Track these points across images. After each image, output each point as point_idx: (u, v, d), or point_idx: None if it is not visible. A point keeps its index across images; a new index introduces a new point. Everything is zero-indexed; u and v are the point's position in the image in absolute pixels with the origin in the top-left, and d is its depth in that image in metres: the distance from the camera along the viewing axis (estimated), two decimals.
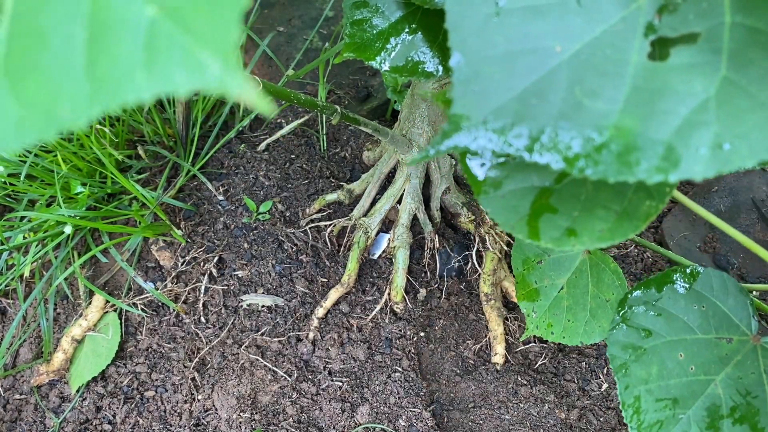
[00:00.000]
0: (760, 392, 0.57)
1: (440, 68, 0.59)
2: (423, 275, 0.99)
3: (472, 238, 0.98)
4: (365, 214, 0.97)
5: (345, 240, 0.99)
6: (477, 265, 0.97)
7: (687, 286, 0.62)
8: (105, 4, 0.22)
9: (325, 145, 1.08)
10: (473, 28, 0.42)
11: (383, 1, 0.60)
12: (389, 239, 0.96)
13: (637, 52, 0.40)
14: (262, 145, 1.06)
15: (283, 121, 1.10)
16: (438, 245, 0.98)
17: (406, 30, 0.59)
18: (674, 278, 0.62)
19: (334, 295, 0.93)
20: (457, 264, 1.00)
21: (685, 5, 0.40)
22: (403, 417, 0.90)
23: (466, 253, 0.99)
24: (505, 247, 0.97)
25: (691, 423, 0.58)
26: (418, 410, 0.90)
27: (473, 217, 0.96)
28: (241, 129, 1.09)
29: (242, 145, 1.07)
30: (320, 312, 0.93)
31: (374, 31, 0.60)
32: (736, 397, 0.57)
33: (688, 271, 0.62)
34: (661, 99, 0.39)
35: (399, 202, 0.97)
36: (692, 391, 0.59)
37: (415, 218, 0.98)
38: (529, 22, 0.41)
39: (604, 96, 0.40)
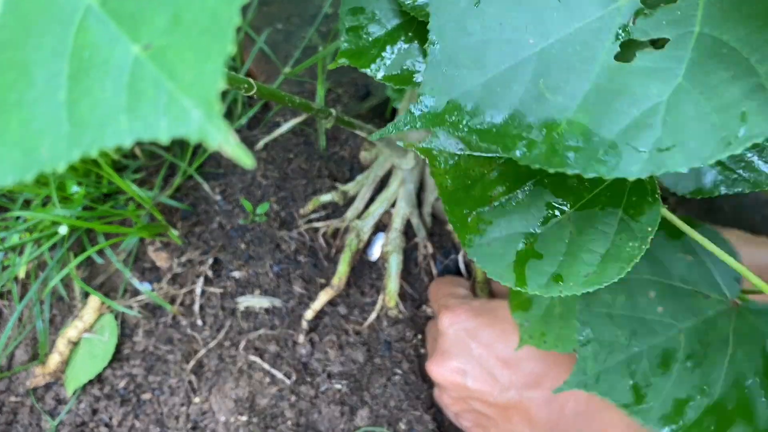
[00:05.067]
0: (721, 348, 0.57)
1: None
2: (420, 278, 0.98)
3: (458, 246, 0.97)
4: (359, 217, 0.96)
5: (339, 242, 0.98)
6: (466, 273, 0.96)
7: (680, 233, 0.62)
8: (88, 41, 0.21)
9: (324, 144, 1.06)
10: (453, 14, 0.42)
11: (380, 8, 0.58)
12: (383, 243, 0.95)
13: (606, 52, 0.41)
14: (260, 144, 1.05)
15: (281, 119, 1.08)
16: (432, 250, 0.97)
17: (403, 39, 0.58)
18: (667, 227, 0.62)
19: (323, 297, 0.92)
20: (453, 268, 0.99)
21: (661, 11, 0.42)
22: (404, 420, 0.89)
23: (459, 258, 0.99)
24: None
25: (643, 356, 0.58)
26: (419, 413, 0.90)
27: None
28: (239, 128, 1.08)
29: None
30: (309, 314, 0.91)
31: (370, 39, 0.58)
32: (696, 346, 0.57)
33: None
34: (617, 99, 0.40)
35: (393, 206, 0.96)
36: (653, 329, 0.59)
37: (409, 223, 0.97)
38: (508, 13, 0.44)
39: (565, 91, 0.41)
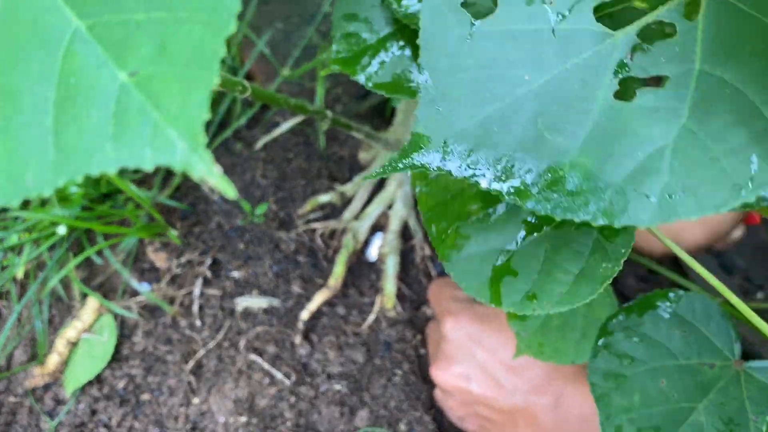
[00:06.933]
0: (742, 420, 0.55)
1: None
2: (418, 279, 0.98)
3: None
4: (356, 218, 0.96)
5: (336, 243, 0.98)
6: None
7: (669, 310, 0.61)
8: (75, 66, 0.20)
9: (323, 143, 1.06)
10: (445, 48, 0.41)
11: (373, 15, 0.58)
12: (380, 245, 0.95)
13: (605, 90, 0.39)
14: (260, 144, 1.04)
15: (280, 119, 1.08)
16: (429, 252, 0.97)
17: (395, 46, 0.57)
18: (656, 303, 0.61)
19: (319, 297, 0.91)
20: None
21: (659, 47, 0.39)
22: (404, 421, 0.89)
23: None
24: None
25: None
26: (419, 413, 0.89)
27: None
28: (238, 128, 1.07)
29: (239, 144, 1.05)
30: (305, 315, 0.91)
31: (362, 45, 0.58)
32: (719, 424, 0.56)
33: (670, 295, 0.61)
34: (620, 140, 0.38)
35: (390, 207, 0.95)
36: (675, 419, 0.57)
37: (407, 224, 0.97)
38: (502, 47, 0.41)
39: (565, 131, 0.39)
